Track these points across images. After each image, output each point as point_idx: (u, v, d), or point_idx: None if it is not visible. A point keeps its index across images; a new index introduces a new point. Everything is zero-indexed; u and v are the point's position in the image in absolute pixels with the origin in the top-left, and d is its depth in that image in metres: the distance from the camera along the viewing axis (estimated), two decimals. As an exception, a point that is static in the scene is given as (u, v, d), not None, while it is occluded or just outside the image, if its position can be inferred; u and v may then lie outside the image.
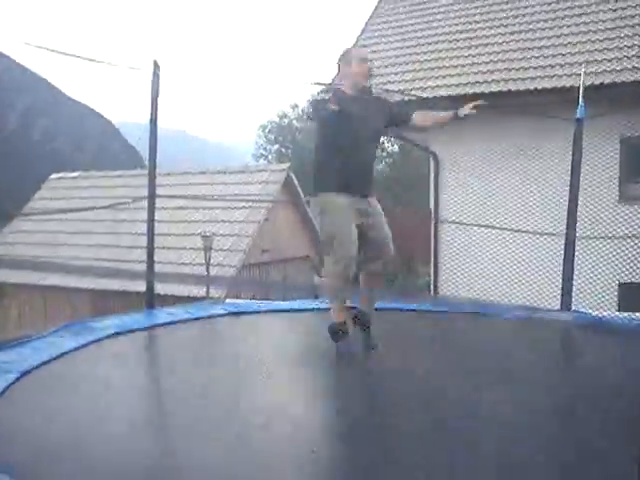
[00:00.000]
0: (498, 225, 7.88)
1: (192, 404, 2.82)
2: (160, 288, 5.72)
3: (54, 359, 3.43)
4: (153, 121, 5.78)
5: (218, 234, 11.82)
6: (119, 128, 48.94)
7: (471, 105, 3.44)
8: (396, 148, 27.34)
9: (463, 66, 10.18)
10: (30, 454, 2.20)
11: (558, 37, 9.68)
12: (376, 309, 3.80)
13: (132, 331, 4.30)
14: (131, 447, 2.32)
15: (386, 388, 3.20)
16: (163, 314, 5.02)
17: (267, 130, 29.24)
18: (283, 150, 28.58)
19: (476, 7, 11.35)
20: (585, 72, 6.39)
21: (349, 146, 3.34)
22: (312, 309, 4.85)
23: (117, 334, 4.16)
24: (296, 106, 28.76)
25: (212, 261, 11.58)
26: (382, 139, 3.67)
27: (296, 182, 14.85)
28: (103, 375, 3.26)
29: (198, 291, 10.51)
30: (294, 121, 29.09)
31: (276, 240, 13.15)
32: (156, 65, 5.86)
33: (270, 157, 28.66)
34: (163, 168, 15.62)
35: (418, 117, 3.60)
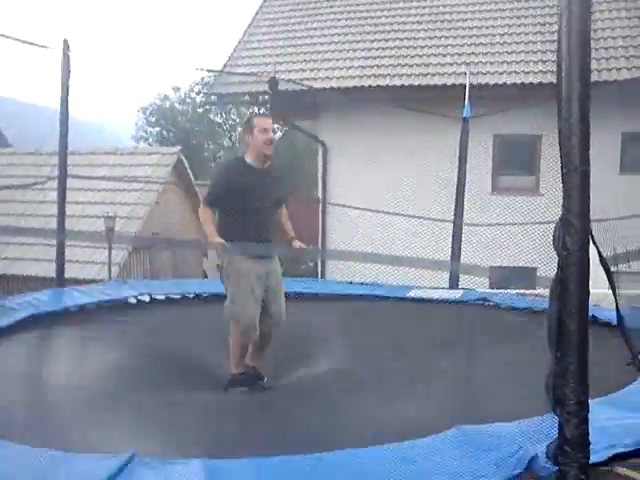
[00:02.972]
0: (387, 210, 8.47)
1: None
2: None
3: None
4: (64, 103, 5.71)
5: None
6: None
7: (301, 246, 3.95)
8: (279, 134, 27.47)
9: (352, 59, 10.68)
10: None
11: (447, 38, 10.44)
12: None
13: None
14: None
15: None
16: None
17: (148, 112, 28.45)
18: (165, 133, 27.97)
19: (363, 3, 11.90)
20: (470, 73, 7.09)
21: (247, 213, 3.61)
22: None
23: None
24: (178, 89, 28.21)
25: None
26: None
27: (187, 165, 14.83)
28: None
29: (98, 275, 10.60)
30: (176, 104, 28.52)
31: (167, 223, 13.12)
32: (66, 45, 5.75)
33: (151, 140, 27.94)
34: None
35: (283, 217, 4.02)
